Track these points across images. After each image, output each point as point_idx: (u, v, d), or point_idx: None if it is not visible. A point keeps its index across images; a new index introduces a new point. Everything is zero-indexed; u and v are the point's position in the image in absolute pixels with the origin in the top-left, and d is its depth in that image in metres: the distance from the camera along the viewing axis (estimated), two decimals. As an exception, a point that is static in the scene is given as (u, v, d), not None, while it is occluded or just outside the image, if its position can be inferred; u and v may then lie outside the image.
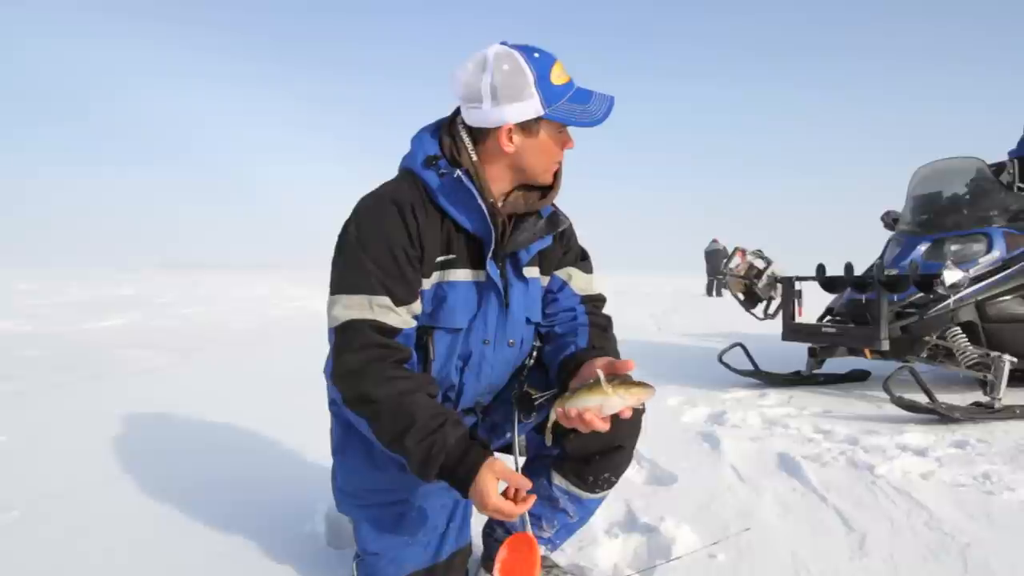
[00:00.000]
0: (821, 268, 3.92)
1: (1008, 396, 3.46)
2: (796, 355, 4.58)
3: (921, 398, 3.23)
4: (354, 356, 1.25)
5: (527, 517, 1.33)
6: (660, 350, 6.26)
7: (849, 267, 3.81)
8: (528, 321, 1.48)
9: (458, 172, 1.31)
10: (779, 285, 4.09)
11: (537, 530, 1.52)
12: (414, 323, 1.33)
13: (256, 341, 6.79)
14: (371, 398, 1.23)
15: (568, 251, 1.55)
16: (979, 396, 3.47)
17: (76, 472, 2.40)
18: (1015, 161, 4.21)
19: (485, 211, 1.32)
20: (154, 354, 5.52)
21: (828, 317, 4.15)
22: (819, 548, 1.78)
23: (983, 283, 3.60)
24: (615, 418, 1.24)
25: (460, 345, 1.40)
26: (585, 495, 1.51)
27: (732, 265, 4.17)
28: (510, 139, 1.32)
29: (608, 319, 1.57)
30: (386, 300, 1.26)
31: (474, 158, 1.34)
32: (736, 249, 4.16)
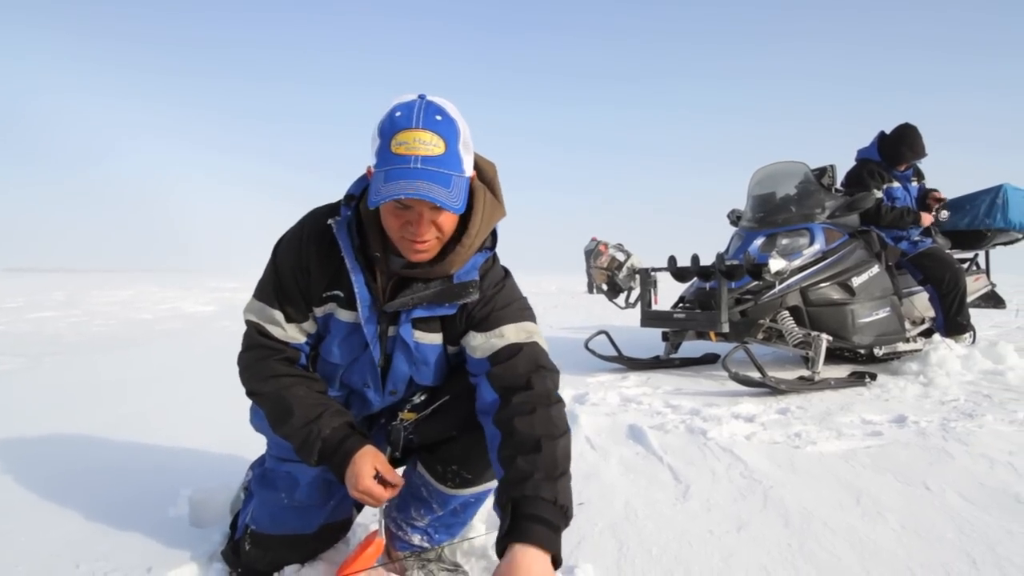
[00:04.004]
0: (672, 260, 4.31)
1: (826, 371, 3.98)
2: (658, 342, 4.97)
3: (756, 374, 3.64)
4: (245, 354, 1.40)
5: (383, 520, 1.39)
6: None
7: (695, 258, 4.21)
8: (413, 380, 1.44)
9: (335, 219, 1.31)
10: (637, 276, 4.44)
11: (409, 517, 1.58)
12: (302, 338, 1.39)
13: (117, 344, 6.38)
14: (256, 391, 1.37)
15: (468, 320, 1.39)
16: (804, 371, 3.96)
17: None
18: (833, 166, 4.81)
19: (351, 262, 1.30)
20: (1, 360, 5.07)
21: (680, 304, 4.55)
22: (650, 497, 2.03)
23: (806, 272, 4.11)
24: (447, 411, 1.40)
25: (340, 378, 1.45)
26: (439, 487, 1.49)
27: (596, 259, 4.48)
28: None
29: (517, 383, 1.30)
30: (277, 314, 1.36)
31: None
32: (599, 243, 4.47)
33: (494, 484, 1.36)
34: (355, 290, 1.31)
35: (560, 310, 11.47)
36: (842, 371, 4.25)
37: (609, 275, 4.46)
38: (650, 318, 4.34)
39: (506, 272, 1.47)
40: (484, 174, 1.33)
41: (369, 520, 1.78)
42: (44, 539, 1.73)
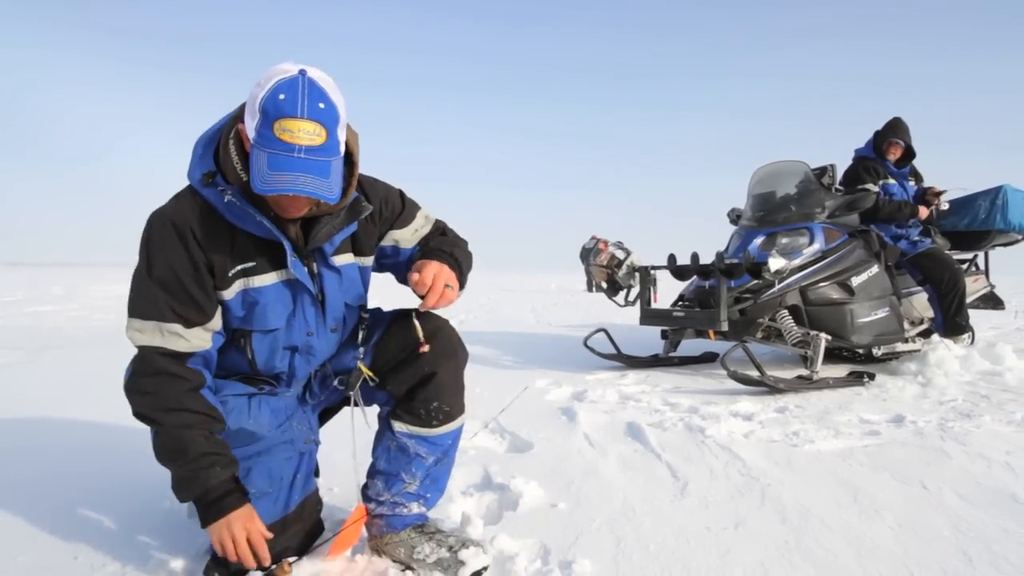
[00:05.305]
0: (672, 258, 4.30)
1: (825, 370, 3.98)
2: (658, 340, 4.97)
3: (754, 373, 3.65)
4: (147, 381, 1.34)
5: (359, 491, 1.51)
6: (535, 340, 6.53)
7: (695, 257, 4.21)
8: (348, 305, 1.56)
9: (229, 196, 1.31)
10: (637, 274, 4.43)
11: (402, 486, 1.59)
12: (208, 341, 1.39)
13: (115, 338, 6.36)
14: (155, 419, 1.35)
15: (383, 222, 1.60)
16: (802, 370, 3.96)
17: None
18: (833, 166, 4.81)
19: (267, 224, 1.34)
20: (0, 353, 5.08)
21: (680, 303, 4.55)
22: (647, 494, 2.03)
23: (805, 271, 4.11)
24: (410, 359, 1.51)
25: (282, 340, 1.48)
26: (426, 431, 1.57)
27: (595, 257, 4.48)
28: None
29: (440, 234, 1.68)
30: (176, 327, 1.33)
31: (244, 178, 1.31)
32: (599, 241, 4.47)
33: (465, 416, 1.65)
34: (284, 245, 1.37)
35: (559, 308, 11.47)
36: (841, 371, 4.25)
37: (608, 273, 4.46)
38: (649, 316, 4.33)
39: (372, 178, 1.62)
40: None
41: (343, 502, 1.79)
42: (42, 531, 1.74)
